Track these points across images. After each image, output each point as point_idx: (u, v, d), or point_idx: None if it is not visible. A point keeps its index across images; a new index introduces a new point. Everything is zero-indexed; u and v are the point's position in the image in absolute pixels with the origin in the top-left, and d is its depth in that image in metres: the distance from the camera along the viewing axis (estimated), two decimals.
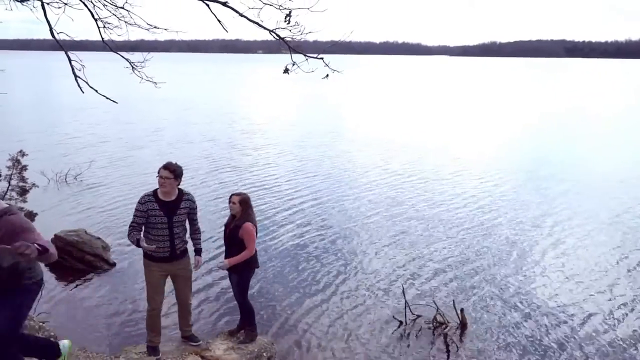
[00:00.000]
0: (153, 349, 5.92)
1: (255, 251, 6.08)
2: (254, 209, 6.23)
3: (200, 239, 6.07)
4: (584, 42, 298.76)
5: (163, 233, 5.57)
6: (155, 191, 5.63)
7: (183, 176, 5.72)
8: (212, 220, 12.01)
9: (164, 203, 5.58)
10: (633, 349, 7.32)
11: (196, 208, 5.91)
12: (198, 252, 6.06)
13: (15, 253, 3.44)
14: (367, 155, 20.66)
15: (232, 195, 6.07)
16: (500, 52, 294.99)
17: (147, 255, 5.70)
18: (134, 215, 5.61)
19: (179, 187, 5.71)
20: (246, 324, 6.33)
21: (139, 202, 5.61)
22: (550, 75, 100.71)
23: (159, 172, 5.59)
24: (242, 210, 5.93)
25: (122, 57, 5.83)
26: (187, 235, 5.93)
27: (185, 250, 5.91)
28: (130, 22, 5.50)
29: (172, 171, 5.55)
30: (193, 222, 5.94)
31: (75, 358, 5.49)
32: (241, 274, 6.08)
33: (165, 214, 5.57)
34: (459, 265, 10.08)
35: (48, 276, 9.14)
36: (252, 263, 6.08)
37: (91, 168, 16.92)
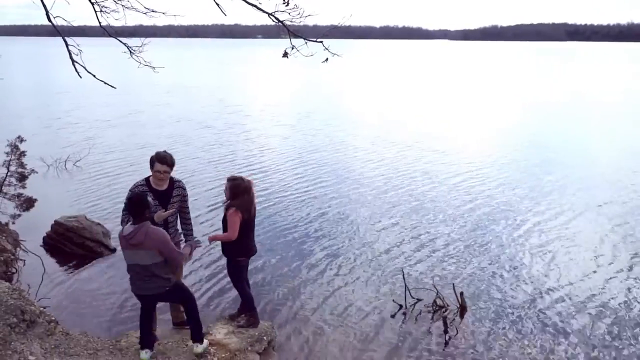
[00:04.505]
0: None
1: (246, 240, 5.93)
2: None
3: (191, 228, 6.05)
4: (585, 25, 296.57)
5: (157, 223, 5.55)
6: (147, 179, 5.59)
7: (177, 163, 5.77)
8: (206, 204, 12.06)
9: (157, 192, 5.56)
10: (633, 331, 7.37)
11: (187, 195, 5.89)
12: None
13: None
14: (366, 139, 20.63)
15: (227, 178, 6.01)
16: (502, 36, 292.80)
17: None
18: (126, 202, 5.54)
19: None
20: (246, 310, 6.36)
21: (130, 190, 5.59)
22: (551, 59, 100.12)
23: (153, 166, 5.54)
24: (231, 195, 5.82)
25: (120, 41, 5.77)
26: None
27: (179, 240, 5.92)
28: (127, 6, 5.44)
29: (170, 165, 5.54)
30: (184, 210, 5.89)
31: (76, 342, 5.54)
32: (229, 262, 6.10)
33: (159, 203, 5.55)
34: (459, 249, 10.11)
35: (49, 262, 9.18)
36: (236, 252, 5.93)
37: (91, 154, 16.90)
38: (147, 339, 5.51)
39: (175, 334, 6.15)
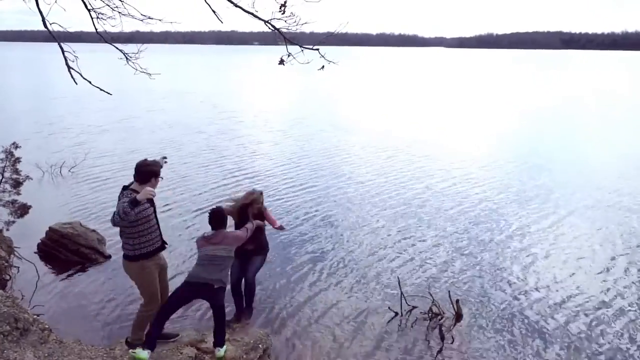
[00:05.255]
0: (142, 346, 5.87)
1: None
2: (244, 199, 7.34)
3: None
4: (580, 33, 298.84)
5: (153, 224, 5.58)
6: (134, 190, 5.44)
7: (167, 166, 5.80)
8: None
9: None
10: (627, 336, 7.37)
11: None
12: None
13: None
14: (360, 146, 20.64)
15: (249, 193, 7.33)
16: (497, 43, 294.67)
17: (142, 256, 5.56)
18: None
19: None
20: (250, 304, 7.40)
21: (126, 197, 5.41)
22: (546, 67, 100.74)
23: (158, 175, 5.61)
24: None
25: (116, 48, 5.77)
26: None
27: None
28: (123, 13, 5.45)
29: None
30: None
31: (70, 350, 5.49)
32: (260, 258, 7.44)
33: (151, 205, 5.58)
34: (454, 256, 10.11)
35: (43, 269, 9.13)
36: (267, 245, 7.68)
37: (86, 160, 16.85)
38: (154, 341, 5.52)
39: (166, 343, 6.11)
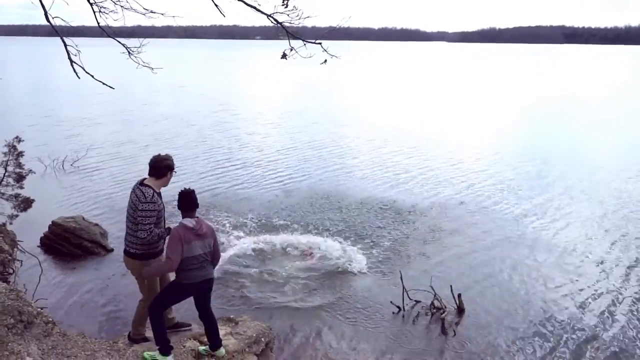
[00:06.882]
0: (145, 339, 5.89)
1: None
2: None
3: None
4: (583, 28, 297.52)
5: (161, 225, 5.51)
6: (149, 185, 5.40)
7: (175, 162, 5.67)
8: None
9: (159, 193, 5.52)
10: (632, 330, 7.39)
11: None
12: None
13: None
14: (363, 139, 20.65)
15: None
16: (499, 38, 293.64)
17: (148, 255, 5.51)
18: (148, 217, 5.27)
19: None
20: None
21: (150, 202, 5.27)
22: (549, 61, 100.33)
23: (173, 170, 5.57)
24: None
25: (119, 42, 5.75)
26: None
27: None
28: (126, 7, 5.44)
29: None
30: None
31: (73, 343, 5.52)
32: None
33: (162, 202, 5.55)
34: (456, 250, 10.11)
35: (46, 263, 9.17)
36: None
37: (88, 154, 16.88)
38: (168, 342, 5.49)
39: (173, 335, 6.13)
